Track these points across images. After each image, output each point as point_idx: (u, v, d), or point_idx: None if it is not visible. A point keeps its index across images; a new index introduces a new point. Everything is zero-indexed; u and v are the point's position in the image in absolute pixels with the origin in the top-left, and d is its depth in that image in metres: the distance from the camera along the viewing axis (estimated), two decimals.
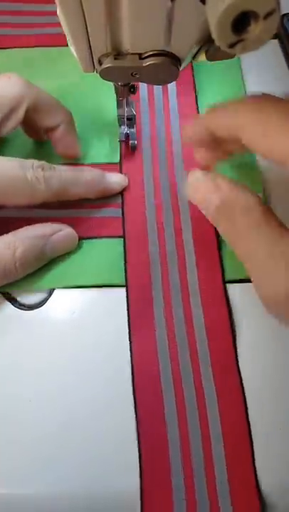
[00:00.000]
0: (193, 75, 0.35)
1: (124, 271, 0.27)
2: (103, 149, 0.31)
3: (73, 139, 0.30)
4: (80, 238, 0.28)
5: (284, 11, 0.37)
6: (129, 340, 0.26)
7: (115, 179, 0.29)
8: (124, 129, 0.30)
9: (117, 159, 0.31)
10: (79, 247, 0.28)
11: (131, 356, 0.25)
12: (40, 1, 0.37)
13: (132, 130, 0.31)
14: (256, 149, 0.21)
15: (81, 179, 0.27)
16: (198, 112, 0.33)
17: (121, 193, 0.30)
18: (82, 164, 0.31)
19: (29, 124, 0.28)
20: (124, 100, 0.28)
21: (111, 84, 0.31)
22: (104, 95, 0.32)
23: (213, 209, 0.22)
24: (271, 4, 0.14)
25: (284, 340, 0.26)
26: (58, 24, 0.33)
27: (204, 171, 0.24)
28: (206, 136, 0.24)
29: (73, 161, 0.30)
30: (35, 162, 0.25)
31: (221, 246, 0.28)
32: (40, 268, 0.27)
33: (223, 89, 0.35)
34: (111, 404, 0.25)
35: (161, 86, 0.34)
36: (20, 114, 0.26)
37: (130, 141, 0.31)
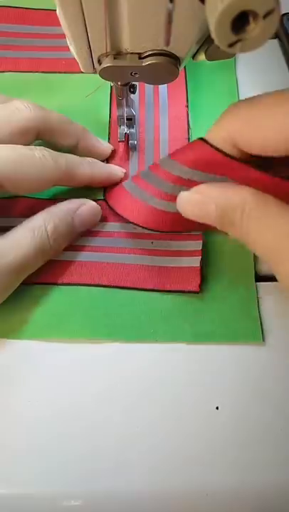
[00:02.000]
0: (185, 74, 0.35)
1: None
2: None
3: (98, 149, 0.30)
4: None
5: (284, 11, 0.37)
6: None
7: (116, 167, 0.30)
8: (124, 130, 0.30)
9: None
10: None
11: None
12: (40, 22, 0.36)
13: (132, 130, 0.31)
14: (253, 147, 0.20)
15: (86, 160, 0.28)
16: (188, 112, 0.33)
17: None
18: None
19: (48, 147, 0.28)
20: (124, 100, 0.28)
21: (106, 113, 0.32)
22: (98, 123, 0.32)
23: (213, 221, 0.22)
24: (271, 4, 0.14)
25: None
26: (57, 48, 0.32)
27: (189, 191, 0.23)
28: None
29: None
30: (39, 146, 0.26)
31: None
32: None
33: (216, 89, 0.34)
34: (110, 404, 0.25)
35: (152, 85, 0.34)
36: (29, 139, 0.27)
37: (130, 141, 0.31)
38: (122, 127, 0.31)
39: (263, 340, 0.26)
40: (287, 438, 0.24)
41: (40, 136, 0.27)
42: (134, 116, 0.30)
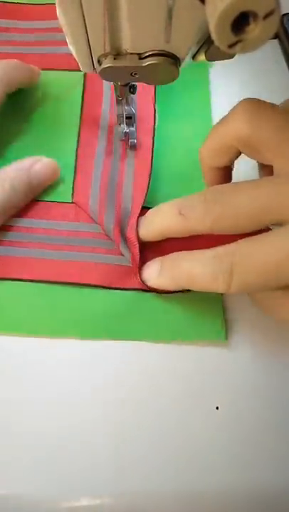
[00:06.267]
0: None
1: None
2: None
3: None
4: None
5: (284, 11, 0.37)
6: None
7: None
8: (124, 128, 0.30)
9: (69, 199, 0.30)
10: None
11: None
12: (30, 17, 0.36)
13: (132, 129, 0.31)
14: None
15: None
16: (154, 110, 0.32)
17: None
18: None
19: None
20: (124, 99, 0.28)
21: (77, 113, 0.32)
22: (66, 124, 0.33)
23: None
24: (271, 4, 0.14)
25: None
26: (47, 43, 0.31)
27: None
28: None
29: None
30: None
31: None
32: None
33: (187, 89, 0.34)
34: (110, 403, 0.25)
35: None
36: None
37: (130, 140, 0.31)
38: (121, 126, 0.31)
39: (226, 339, 0.26)
40: (282, 438, 0.24)
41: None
42: (133, 114, 0.30)
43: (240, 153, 0.24)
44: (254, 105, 0.22)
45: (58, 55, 0.34)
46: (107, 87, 0.33)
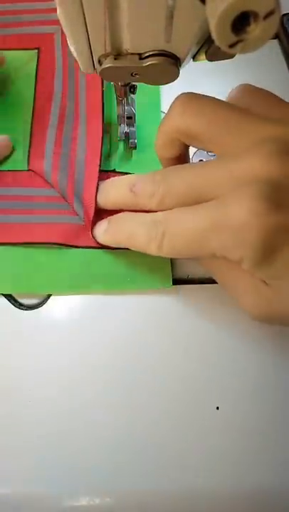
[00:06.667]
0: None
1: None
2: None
3: None
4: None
5: (284, 11, 0.37)
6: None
7: None
8: (124, 128, 0.30)
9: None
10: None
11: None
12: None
13: (132, 129, 0.31)
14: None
15: None
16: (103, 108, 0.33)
17: None
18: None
19: None
20: (124, 99, 0.28)
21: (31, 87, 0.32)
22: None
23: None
24: (271, 4, 0.14)
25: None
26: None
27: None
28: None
29: None
30: None
31: None
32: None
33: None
34: (110, 405, 0.25)
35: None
36: None
37: (130, 140, 0.31)
38: (121, 126, 0.31)
39: (173, 284, 0.27)
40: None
41: None
42: (134, 114, 0.30)
43: (188, 144, 0.25)
44: (189, 98, 0.23)
45: (9, 36, 0.35)
46: (60, 62, 0.34)
